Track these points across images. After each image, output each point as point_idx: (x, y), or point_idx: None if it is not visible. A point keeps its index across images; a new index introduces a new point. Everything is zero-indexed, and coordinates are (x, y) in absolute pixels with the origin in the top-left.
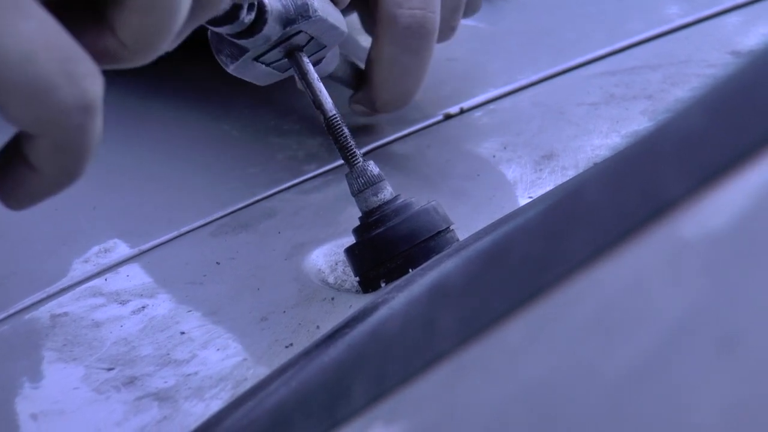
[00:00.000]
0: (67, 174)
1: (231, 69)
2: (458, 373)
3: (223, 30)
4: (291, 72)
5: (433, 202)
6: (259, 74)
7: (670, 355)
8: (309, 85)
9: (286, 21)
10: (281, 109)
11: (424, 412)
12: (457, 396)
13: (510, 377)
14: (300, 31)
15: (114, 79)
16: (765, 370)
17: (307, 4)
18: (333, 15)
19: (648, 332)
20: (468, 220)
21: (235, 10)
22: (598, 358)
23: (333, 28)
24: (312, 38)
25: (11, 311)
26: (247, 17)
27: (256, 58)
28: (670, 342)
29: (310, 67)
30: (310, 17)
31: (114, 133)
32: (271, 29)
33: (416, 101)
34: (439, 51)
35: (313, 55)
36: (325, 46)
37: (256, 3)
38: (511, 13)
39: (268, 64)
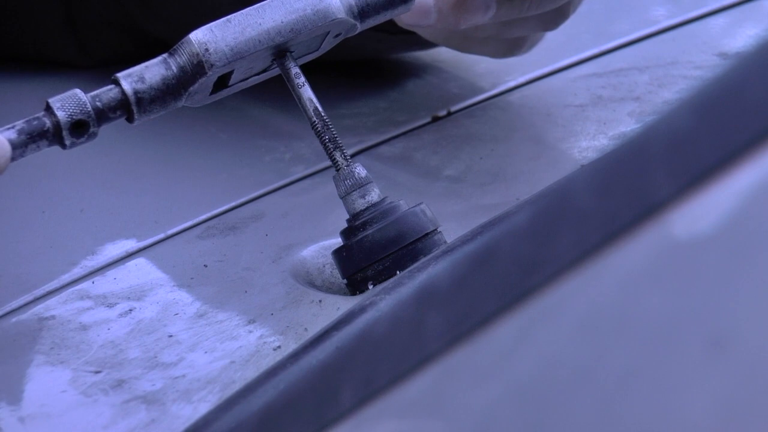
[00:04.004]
0: None
1: (191, 104)
2: (446, 375)
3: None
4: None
5: (420, 204)
6: (237, 89)
7: (658, 355)
8: (294, 89)
9: (185, 83)
10: (268, 111)
11: (413, 414)
12: (445, 398)
13: (498, 379)
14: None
15: (102, 83)
16: (753, 370)
17: (202, 62)
18: (275, 29)
19: (637, 333)
20: (456, 222)
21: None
22: (587, 360)
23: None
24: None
25: None
26: (81, 139)
27: (219, 87)
28: (659, 343)
29: (296, 71)
30: (206, 74)
31: (101, 136)
32: (163, 103)
33: (403, 103)
34: (426, 53)
35: (334, 33)
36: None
37: (87, 117)
38: None
39: (256, 74)
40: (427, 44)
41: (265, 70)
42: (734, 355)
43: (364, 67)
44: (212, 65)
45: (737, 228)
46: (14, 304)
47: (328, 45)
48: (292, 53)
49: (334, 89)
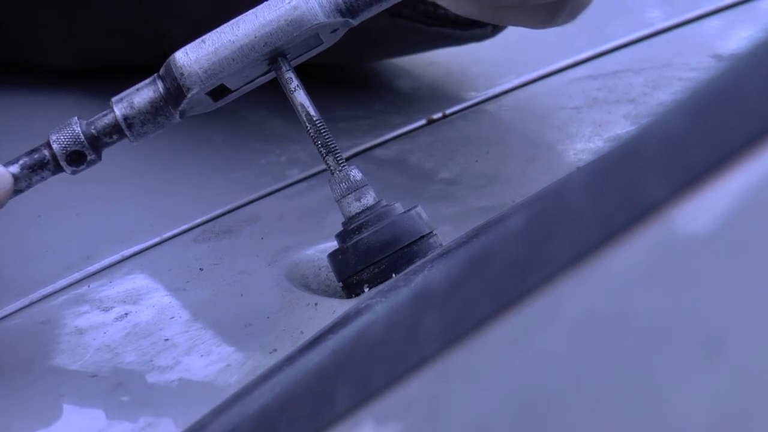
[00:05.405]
0: None
1: (196, 113)
2: (442, 378)
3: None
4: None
5: (416, 207)
6: (242, 92)
7: (654, 357)
8: (288, 93)
9: (173, 104)
10: (264, 114)
11: (409, 416)
12: (441, 400)
13: (494, 381)
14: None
15: (96, 85)
16: (749, 371)
17: (180, 86)
18: (252, 43)
19: (632, 335)
20: (451, 225)
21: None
22: (582, 361)
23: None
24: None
25: None
26: (81, 166)
27: (223, 93)
28: (655, 344)
29: (291, 74)
30: (185, 96)
31: None
32: (156, 124)
33: (398, 106)
34: (422, 55)
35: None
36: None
37: (81, 148)
38: None
39: (251, 80)
40: (462, 39)
41: (267, 72)
42: (730, 356)
43: (360, 70)
44: (189, 89)
45: (732, 229)
46: (10, 308)
47: (330, 39)
48: (287, 56)
49: (329, 92)
